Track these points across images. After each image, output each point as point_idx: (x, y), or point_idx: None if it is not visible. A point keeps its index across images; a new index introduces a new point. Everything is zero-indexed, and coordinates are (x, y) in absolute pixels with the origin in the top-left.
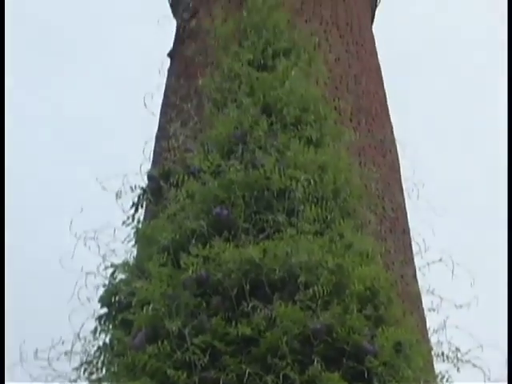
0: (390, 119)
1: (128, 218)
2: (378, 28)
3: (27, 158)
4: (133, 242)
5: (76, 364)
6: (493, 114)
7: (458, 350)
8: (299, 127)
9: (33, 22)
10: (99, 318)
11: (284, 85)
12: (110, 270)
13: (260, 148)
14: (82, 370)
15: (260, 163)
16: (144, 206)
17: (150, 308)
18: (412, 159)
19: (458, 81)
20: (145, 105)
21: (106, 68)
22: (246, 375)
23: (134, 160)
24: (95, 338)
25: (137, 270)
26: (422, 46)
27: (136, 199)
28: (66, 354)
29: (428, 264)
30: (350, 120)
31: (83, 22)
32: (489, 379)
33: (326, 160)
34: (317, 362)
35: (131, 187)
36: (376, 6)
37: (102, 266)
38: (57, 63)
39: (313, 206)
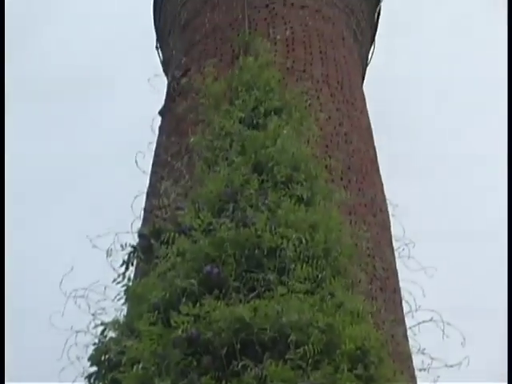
0: (380, 178)
1: (118, 275)
2: (369, 85)
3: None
4: (123, 300)
5: None
6: (483, 173)
7: None
8: (290, 186)
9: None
10: (89, 376)
11: (275, 143)
12: (100, 329)
13: (251, 206)
14: None
15: (251, 221)
16: (134, 263)
17: (140, 367)
18: (402, 218)
19: (448, 138)
20: (136, 163)
21: (96, 122)
22: None
23: (125, 218)
24: None
25: (127, 328)
26: (414, 106)
27: (126, 257)
28: None
29: (419, 323)
30: (341, 178)
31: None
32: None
33: (317, 219)
34: None
35: (122, 245)
36: (367, 64)
37: (92, 325)
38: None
39: (304, 265)
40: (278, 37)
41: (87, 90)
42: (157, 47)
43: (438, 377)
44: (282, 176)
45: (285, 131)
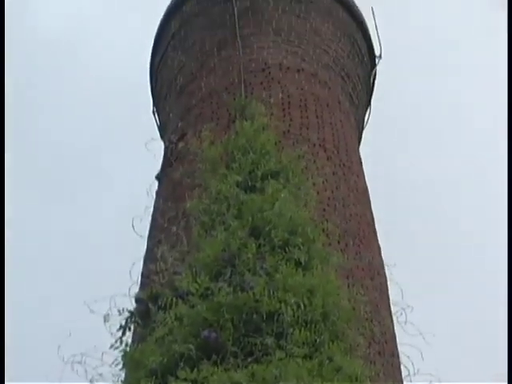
0: (377, 241)
1: (116, 341)
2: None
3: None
4: (121, 366)
5: None
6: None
7: None
8: (288, 249)
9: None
10: None
11: (273, 207)
12: None
13: (249, 270)
14: None
15: (249, 286)
16: (132, 328)
17: None
18: (400, 282)
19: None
20: (133, 227)
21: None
22: None
23: (122, 282)
24: None
25: None
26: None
27: (124, 322)
28: None
29: None
30: (338, 242)
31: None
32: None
33: (315, 283)
34: None
35: (119, 310)
36: (363, 128)
37: None
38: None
39: (302, 329)
40: (274, 100)
41: (86, 163)
42: (153, 112)
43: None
44: (279, 240)
45: (282, 195)
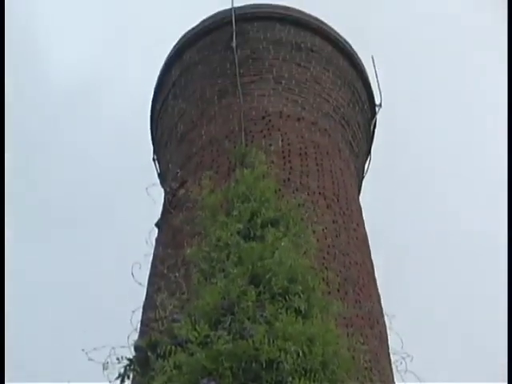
0: (377, 290)
1: None
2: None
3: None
4: None
5: None
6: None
7: None
8: (287, 298)
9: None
10: None
11: (273, 255)
12: None
13: (248, 318)
14: None
15: (248, 334)
16: (131, 377)
17: None
18: (400, 331)
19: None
20: (132, 275)
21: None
22: None
23: (121, 330)
24: None
25: None
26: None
27: (123, 370)
28: None
29: None
30: (338, 290)
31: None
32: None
33: (315, 332)
34: None
35: (118, 358)
36: (363, 176)
37: None
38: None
39: (301, 378)
40: (274, 148)
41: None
42: (153, 159)
43: None
44: (279, 288)
45: (282, 243)
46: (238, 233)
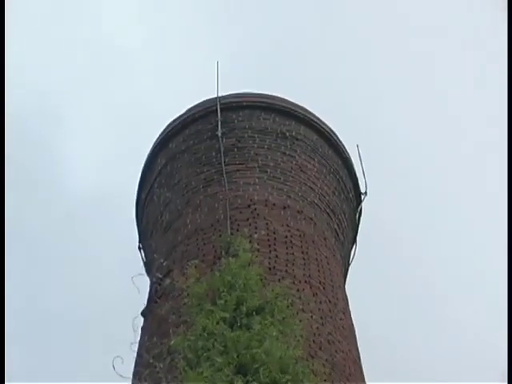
0: (363, 378)
1: None
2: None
3: None
4: None
5: None
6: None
7: None
8: None
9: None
10: None
11: (259, 344)
12: None
13: None
14: None
15: None
16: None
17: None
18: None
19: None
20: (113, 368)
21: None
22: None
23: None
24: None
25: None
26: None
27: None
28: None
29: None
30: (325, 380)
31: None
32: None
33: None
34: None
35: None
36: (349, 264)
37: None
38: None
39: None
40: (260, 237)
41: None
42: (139, 247)
43: None
44: (266, 377)
45: (270, 333)
46: (224, 321)
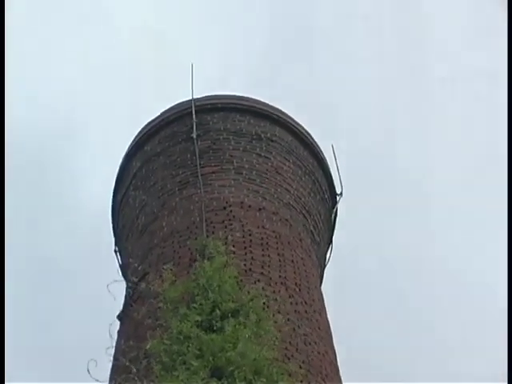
0: (340, 378)
1: None
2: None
3: None
4: None
5: None
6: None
7: None
8: None
9: None
10: None
11: (234, 347)
12: None
13: None
14: None
15: None
16: None
17: None
18: None
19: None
20: (88, 371)
21: None
22: None
23: None
24: None
25: None
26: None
27: None
28: None
29: None
30: (301, 381)
31: None
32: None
33: None
34: None
35: None
36: (325, 265)
37: None
38: None
39: None
40: (235, 239)
41: None
42: (115, 251)
43: None
44: (241, 380)
45: (243, 335)
46: (199, 325)
